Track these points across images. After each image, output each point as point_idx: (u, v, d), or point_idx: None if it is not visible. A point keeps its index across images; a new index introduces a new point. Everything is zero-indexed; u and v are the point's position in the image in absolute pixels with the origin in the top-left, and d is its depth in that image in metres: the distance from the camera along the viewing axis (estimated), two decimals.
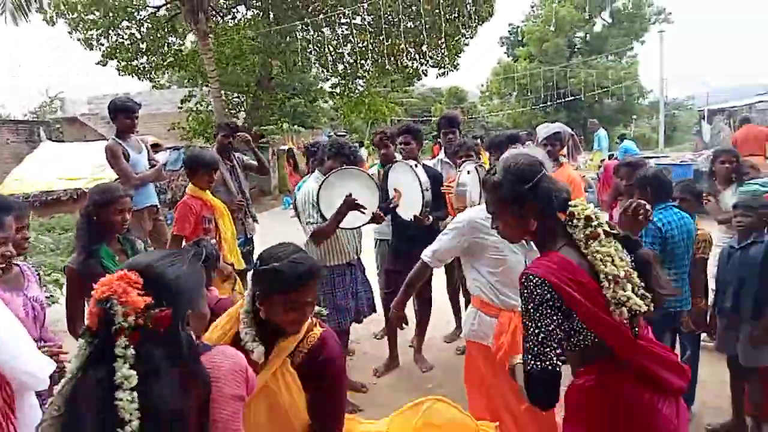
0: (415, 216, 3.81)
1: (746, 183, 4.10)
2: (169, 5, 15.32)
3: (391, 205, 3.83)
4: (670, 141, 28.70)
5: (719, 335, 3.27)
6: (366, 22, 14.79)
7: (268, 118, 16.48)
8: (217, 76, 13.02)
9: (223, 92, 14.06)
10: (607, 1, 30.88)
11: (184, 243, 3.57)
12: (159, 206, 4.68)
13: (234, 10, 16.91)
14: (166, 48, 15.91)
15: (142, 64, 15.95)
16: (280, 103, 17.72)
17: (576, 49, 32.27)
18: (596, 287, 1.57)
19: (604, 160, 12.55)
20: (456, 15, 13.97)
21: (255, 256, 4.57)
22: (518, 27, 34.93)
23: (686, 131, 30.52)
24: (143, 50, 15.69)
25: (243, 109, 17.03)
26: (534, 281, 1.56)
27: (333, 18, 13.64)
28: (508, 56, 35.15)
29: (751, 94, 23.81)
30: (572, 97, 27.12)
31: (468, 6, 13.32)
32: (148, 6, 15.50)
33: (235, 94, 16.72)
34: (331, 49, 15.32)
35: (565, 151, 4.44)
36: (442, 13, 12.95)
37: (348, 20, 14.73)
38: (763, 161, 9.12)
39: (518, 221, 1.73)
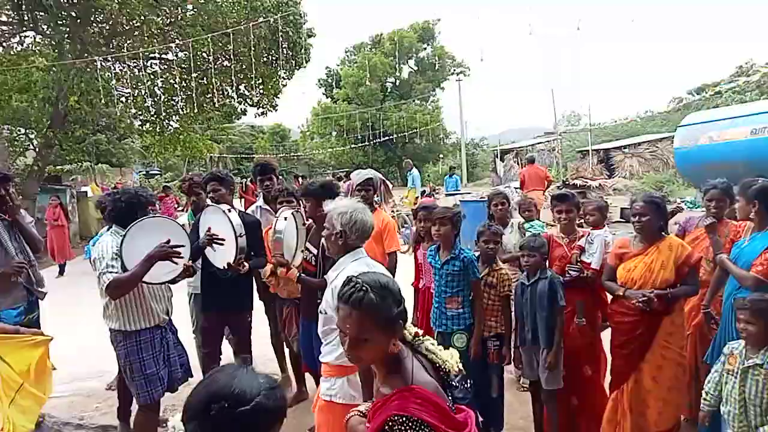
0: (229, 264, 3.64)
1: (529, 223, 4.65)
2: None
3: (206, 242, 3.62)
4: (472, 177, 32.25)
5: (524, 363, 3.61)
6: (178, 59, 14.11)
7: (65, 157, 14.69)
8: None
9: (5, 128, 12.19)
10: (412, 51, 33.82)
11: None
12: None
13: (22, 35, 14.79)
14: None
15: None
16: (80, 141, 15.95)
17: (388, 93, 34.64)
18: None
19: (418, 197, 13.66)
20: (273, 58, 14.03)
21: (41, 324, 3.95)
22: (334, 70, 36.43)
23: (484, 168, 34.52)
24: None
25: (32, 147, 14.96)
26: (412, 423, 1.47)
27: (140, 54, 12.72)
28: (327, 97, 36.35)
29: (533, 135, 27.91)
30: (387, 137, 29.02)
31: (284, 51, 13.45)
32: None
33: (22, 130, 14.64)
34: (140, 84, 14.26)
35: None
36: (258, 55, 12.90)
37: (157, 56, 13.92)
38: (542, 196, 10.67)
39: (387, 345, 1.58)
